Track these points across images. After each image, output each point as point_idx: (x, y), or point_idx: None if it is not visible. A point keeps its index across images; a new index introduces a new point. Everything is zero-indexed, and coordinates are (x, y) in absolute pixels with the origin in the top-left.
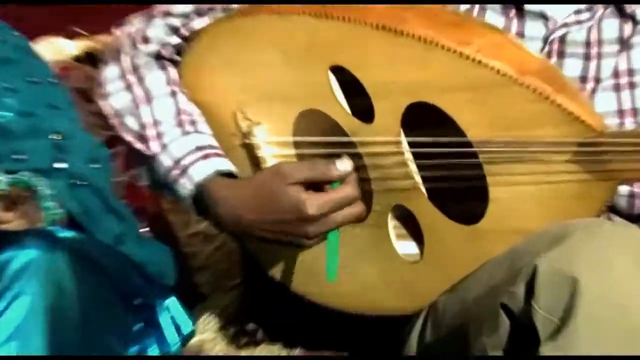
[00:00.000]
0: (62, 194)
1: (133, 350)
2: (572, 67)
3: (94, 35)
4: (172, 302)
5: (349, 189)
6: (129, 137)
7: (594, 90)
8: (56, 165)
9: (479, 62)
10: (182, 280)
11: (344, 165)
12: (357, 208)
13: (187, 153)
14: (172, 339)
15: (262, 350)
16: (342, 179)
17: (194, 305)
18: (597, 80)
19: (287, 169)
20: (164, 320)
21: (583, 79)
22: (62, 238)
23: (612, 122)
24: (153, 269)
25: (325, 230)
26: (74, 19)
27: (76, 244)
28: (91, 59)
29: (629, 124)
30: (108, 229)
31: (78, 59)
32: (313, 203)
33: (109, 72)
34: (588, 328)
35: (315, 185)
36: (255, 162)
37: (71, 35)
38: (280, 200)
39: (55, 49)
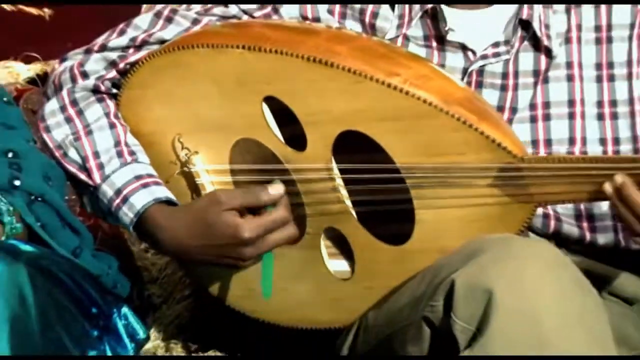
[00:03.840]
0: (21, 209)
1: (91, 353)
2: (489, 98)
3: (46, 59)
4: (126, 311)
5: (280, 212)
6: (72, 169)
7: (510, 120)
8: (14, 182)
9: (406, 92)
10: (135, 291)
11: (275, 189)
12: (289, 230)
13: (127, 182)
14: (127, 345)
15: (210, 354)
16: (274, 203)
17: (147, 314)
18: (513, 110)
19: (223, 196)
20: (119, 327)
21: (500, 108)
22: (23, 252)
23: None
24: (108, 281)
25: (260, 252)
26: (29, 44)
27: (36, 257)
28: (43, 81)
29: (542, 154)
30: (65, 243)
31: (32, 81)
32: (247, 227)
33: (50, 106)
34: (502, 335)
35: (252, 210)
36: (195, 188)
37: (26, 59)
38: (217, 226)
39: (10, 72)
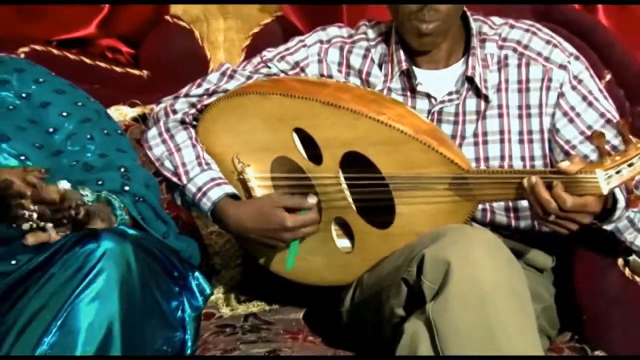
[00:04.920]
0: (129, 206)
1: (174, 304)
2: (446, 130)
3: (145, 104)
4: (197, 274)
5: (313, 215)
6: (167, 174)
7: (460, 145)
8: (125, 188)
9: (390, 125)
10: (204, 261)
11: (312, 200)
12: (315, 227)
13: (206, 182)
14: (198, 298)
15: (254, 304)
16: (309, 208)
17: (211, 276)
18: (462, 138)
19: (277, 197)
20: (193, 286)
21: (453, 137)
22: (129, 234)
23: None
24: (186, 254)
25: (294, 238)
26: (133, 94)
27: (138, 238)
28: (143, 120)
29: (482, 167)
30: (157, 229)
31: (135, 119)
32: (290, 220)
33: (151, 132)
34: (455, 292)
35: (290, 210)
36: (247, 190)
37: (131, 105)
38: (270, 215)
39: (120, 113)
